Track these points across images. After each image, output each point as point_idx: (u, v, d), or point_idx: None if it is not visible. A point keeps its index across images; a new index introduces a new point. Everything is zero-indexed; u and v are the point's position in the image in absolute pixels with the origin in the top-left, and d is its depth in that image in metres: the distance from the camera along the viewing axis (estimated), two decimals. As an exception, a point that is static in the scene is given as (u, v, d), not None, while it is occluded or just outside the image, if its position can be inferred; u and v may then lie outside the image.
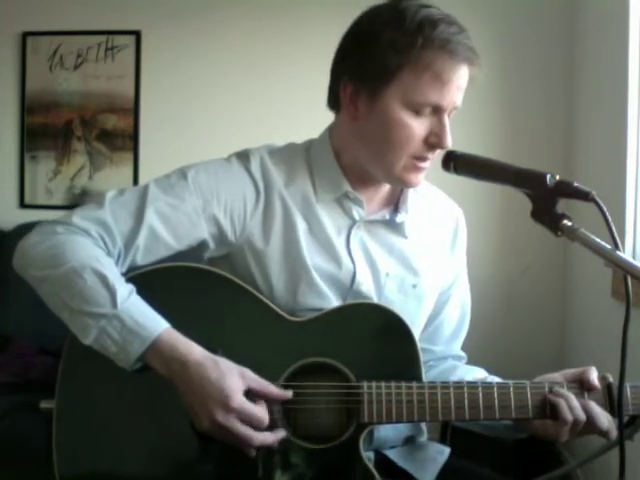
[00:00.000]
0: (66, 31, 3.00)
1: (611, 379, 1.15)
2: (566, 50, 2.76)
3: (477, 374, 1.34)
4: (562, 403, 1.12)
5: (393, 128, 1.14)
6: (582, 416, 1.12)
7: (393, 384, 1.13)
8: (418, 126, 1.13)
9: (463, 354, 1.42)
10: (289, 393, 1.11)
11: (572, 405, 1.12)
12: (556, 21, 2.79)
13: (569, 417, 1.11)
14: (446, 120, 1.14)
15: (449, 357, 1.39)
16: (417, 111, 1.13)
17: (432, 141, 1.14)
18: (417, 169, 1.17)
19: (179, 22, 2.95)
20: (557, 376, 1.18)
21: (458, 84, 1.13)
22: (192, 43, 2.96)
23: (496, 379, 1.28)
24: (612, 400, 1.13)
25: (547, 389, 1.15)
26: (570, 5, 2.74)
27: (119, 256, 1.14)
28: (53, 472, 1.11)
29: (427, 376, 1.34)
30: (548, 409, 1.14)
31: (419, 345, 1.18)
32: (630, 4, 2.03)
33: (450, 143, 1.14)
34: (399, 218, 1.26)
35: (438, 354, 1.38)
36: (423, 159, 1.16)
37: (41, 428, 1.13)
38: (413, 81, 1.11)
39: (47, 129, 3.05)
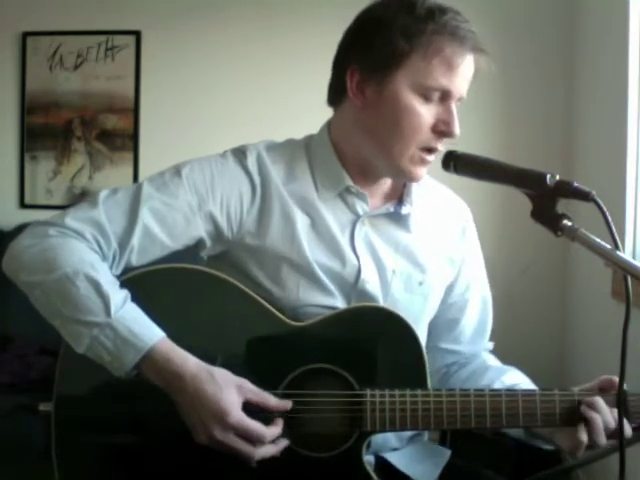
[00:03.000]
0: (66, 31, 3.01)
1: (625, 387, 1.10)
2: (566, 50, 2.76)
3: (508, 378, 1.29)
4: (597, 418, 1.09)
5: (402, 114, 1.13)
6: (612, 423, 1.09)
7: (397, 392, 1.10)
8: (427, 113, 1.13)
9: (490, 345, 1.40)
10: (288, 403, 1.08)
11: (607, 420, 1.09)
12: (556, 21, 2.79)
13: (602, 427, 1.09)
14: (454, 108, 1.14)
15: (478, 353, 1.38)
16: (426, 96, 1.12)
17: (441, 129, 1.13)
18: (423, 162, 1.16)
19: (179, 22, 2.95)
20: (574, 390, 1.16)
21: (465, 73, 1.13)
22: (192, 43, 2.96)
23: (531, 385, 1.26)
24: (627, 409, 1.10)
25: (576, 399, 1.12)
26: (570, 5, 2.74)
27: (114, 258, 1.12)
28: (53, 471, 1.10)
29: (459, 376, 1.33)
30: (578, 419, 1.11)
31: (425, 350, 1.16)
32: (630, 4, 2.03)
33: (458, 131, 1.14)
34: (404, 210, 1.24)
35: (467, 353, 1.36)
36: (430, 150, 1.15)
37: (41, 428, 1.12)
38: (423, 65, 1.11)
39: (47, 129, 3.05)
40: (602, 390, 1.14)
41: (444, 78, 1.11)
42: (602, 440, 1.09)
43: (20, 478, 1.97)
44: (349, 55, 1.18)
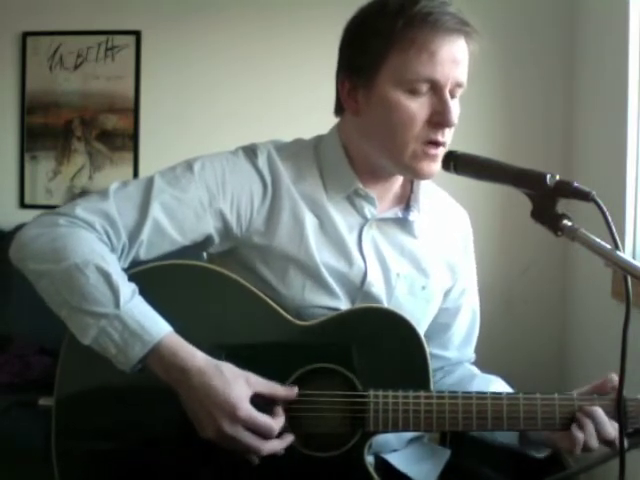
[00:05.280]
0: (66, 31, 3.01)
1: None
2: (566, 50, 2.76)
3: (494, 386, 1.31)
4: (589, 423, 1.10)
5: (392, 112, 1.12)
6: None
7: (400, 393, 1.10)
8: (418, 107, 1.11)
9: (474, 356, 1.42)
10: (294, 390, 1.08)
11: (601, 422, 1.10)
12: (556, 21, 2.78)
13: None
14: (447, 97, 1.11)
15: (463, 361, 1.39)
16: (412, 90, 1.11)
17: (435, 120, 1.12)
18: (428, 157, 1.13)
19: (179, 22, 2.95)
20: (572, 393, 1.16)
21: (452, 57, 1.10)
22: (192, 43, 2.96)
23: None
24: (625, 414, 1.09)
25: (576, 406, 1.12)
26: (570, 5, 2.74)
27: (122, 251, 1.11)
28: (52, 470, 1.10)
29: (444, 383, 1.34)
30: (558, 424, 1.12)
31: (429, 352, 1.16)
32: (630, 4, 2.03)
33: (454, 120, 1.12)
34: (412, 216, 1.25)
35: (453, 360, 1.38)
36: (433, 144, 1.13)
37: (40, 426, 1.12)
38: (401, 60, 1.10)
39: (47, 129, 3.05)
40: (598, 392, 1.14)
41: (425, 68, 1.09)
42: (594, 445, 1.09)
43: (20, 478, 1.97)
44: (339, 66, 1.20)
